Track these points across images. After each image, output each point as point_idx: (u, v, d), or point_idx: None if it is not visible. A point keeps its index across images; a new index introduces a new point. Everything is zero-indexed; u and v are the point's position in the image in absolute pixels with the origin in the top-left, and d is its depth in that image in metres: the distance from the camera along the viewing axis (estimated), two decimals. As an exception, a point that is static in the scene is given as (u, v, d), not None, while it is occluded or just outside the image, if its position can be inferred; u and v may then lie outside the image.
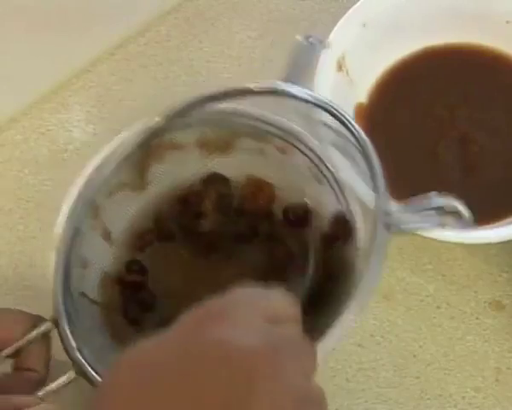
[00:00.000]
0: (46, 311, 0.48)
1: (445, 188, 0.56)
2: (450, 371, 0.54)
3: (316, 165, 0.51)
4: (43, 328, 0.46)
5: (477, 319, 0.56)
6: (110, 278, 0.52)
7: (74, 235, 0.49)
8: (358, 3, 0.61)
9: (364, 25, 0.60)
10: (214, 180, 0.54)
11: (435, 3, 0.62)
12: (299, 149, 0.52)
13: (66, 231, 0.49)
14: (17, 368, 0.46)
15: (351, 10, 0.61)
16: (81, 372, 0.45)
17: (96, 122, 0.66)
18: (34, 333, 0.45)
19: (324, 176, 0.51)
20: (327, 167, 0.51)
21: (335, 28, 0.60)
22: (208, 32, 0.70)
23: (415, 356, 0.55)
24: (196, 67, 0.68)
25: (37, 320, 0.46)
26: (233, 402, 0.32)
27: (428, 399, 0.54)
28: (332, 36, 0.59)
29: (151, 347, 0.35)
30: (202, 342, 0.34)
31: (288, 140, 0.52)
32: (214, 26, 0.70)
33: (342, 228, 0.50)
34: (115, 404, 0.33)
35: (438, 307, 0.56)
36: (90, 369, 0.45)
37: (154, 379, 0.33)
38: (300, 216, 0.53)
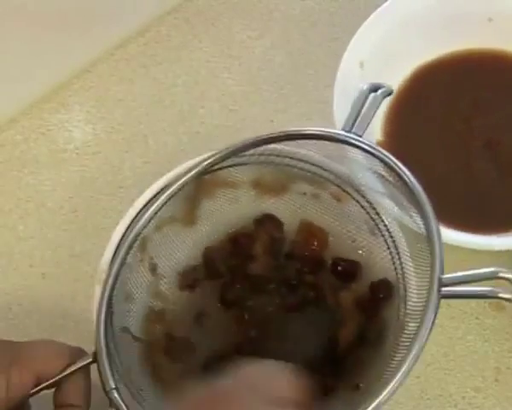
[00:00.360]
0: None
1: (485, 195, 0.57)
2: (450, 371, 0.54)
3: (370, 216, 0.50)
4: (83, 363, 0.45)
5: (477, 318, 0.56)
6: (154, 313, 0.51)
7: (121, 268, 0.48)
8: (351, 44, 0.60)
9: (361, 64, 0.60)
10: (267, 222, 0.53)
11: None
12: (355, 199, 0.51)
13: (112, 263, 0.48)
14: (59, 406, 0.45)
15: (347, 50, 0.60)
16: None
17: (95, 122, 0.66)
18: (74, 368, 0.45)
19: (378, 228, 0.50)
20: (382, 220, 0.50)
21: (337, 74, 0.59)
22: (208, 32, 0.70)
23: (415, 356, 0.55)
24: (196, 67, 0.68)
25: (78, 353, 0.46)
26: None
27: (428, 399, 0.54)
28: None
29: None
30: None
31: (343, 188, 0.51)
32: (214, 26, 0.70)
33: (383, 293, 0.49)
34: None
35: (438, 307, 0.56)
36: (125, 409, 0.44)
37: None
38: (349, 272, 0.52)
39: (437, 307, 0.42)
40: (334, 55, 0.60)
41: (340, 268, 0.52)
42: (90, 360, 0.45)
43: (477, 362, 0.54)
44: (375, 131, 0.60)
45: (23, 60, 0.64)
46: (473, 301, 0.56)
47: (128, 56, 0.69)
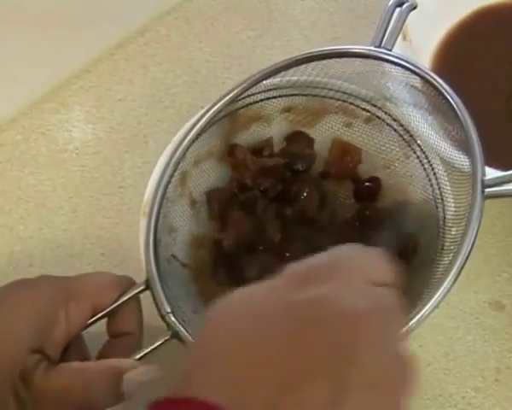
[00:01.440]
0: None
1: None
2: (450, 371, 0.54)
3: (404, 139, 0.52)
4: (136, 291, 0.46)
5: (477, 318, 0.56)
6: (198, 240, 0.53)
7: (162, 201, 0.49)
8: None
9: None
10: (298, 137, 0.55)
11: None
12: (387, 123, 0.52)
13: (155, 197, 0.49)
14: (113, 335, 0.46)
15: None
16: (176, 335, 0.44)
17: (95, 122, 0.66)
18: (127, 296, 0.45)
19: (412, 150, 0.51)
20: (416, 142, 0.51)
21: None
22: (208, 32, 0.70)
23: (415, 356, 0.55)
24: (196, 67, 0.68)
25: (129, 282, 0.46)
26: (336, 359, 0.32)
27: (428, 399, 0.54)
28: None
29: (251, 296, 0.35)
30: (307, 300, 0.33)
31: (376, 114, 0.53)
32: (214, 26, 0.70)
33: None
34: (217, 356, 0.32)
35: (438, 307, 0.56)
36: (184, 331, 0.44)
37: (255, 331, 0.33)
38: (370, 193, 0.53)
39: (482, 209, 0.44)
40: (334, 55, 0.60)
41: (363, 190, 0.54)
42: (143, 287, 0.46)
43: (477, 362, 0.54)
44: (423, 63, 0.59)
45: (23, 60, 0.64)
46: (472, 301, 0.56)
47: (128, 56, 0.69)
